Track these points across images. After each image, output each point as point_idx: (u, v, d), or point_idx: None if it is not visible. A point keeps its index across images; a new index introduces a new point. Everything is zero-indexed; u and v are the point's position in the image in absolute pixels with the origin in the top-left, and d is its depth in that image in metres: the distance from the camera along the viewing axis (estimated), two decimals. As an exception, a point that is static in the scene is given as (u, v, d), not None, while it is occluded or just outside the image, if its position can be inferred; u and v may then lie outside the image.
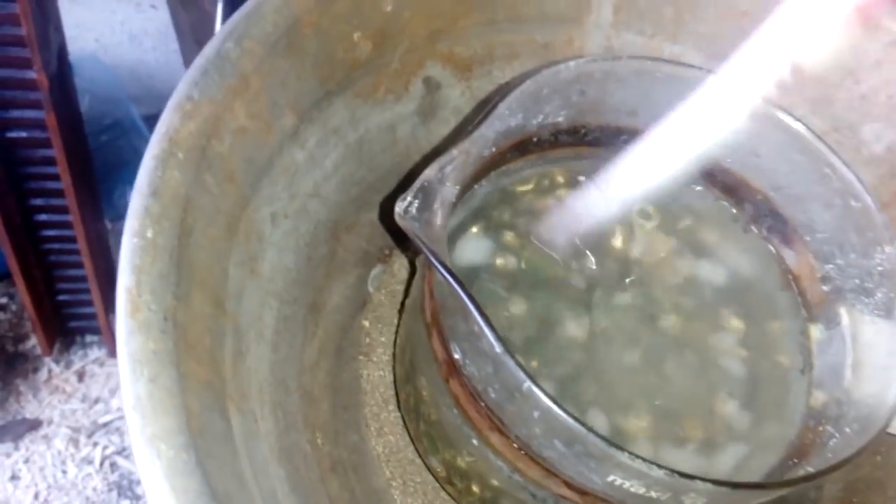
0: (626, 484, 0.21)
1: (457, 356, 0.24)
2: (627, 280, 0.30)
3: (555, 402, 0.20)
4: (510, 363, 0.21)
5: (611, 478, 0.21)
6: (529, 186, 0.31)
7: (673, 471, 0.20)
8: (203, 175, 0.22)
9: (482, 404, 0.23)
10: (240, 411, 0.23)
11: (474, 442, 0.25)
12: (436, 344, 0.25)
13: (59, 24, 0.62)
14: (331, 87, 0.28)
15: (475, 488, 0.27)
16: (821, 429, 0.27)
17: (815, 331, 0.30)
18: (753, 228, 0.32)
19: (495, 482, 0.26)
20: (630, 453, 0.20)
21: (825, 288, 0.29)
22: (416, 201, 0.23)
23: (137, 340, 0.18)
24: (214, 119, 0.22)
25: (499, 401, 0.23)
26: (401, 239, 0.34)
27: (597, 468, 0.21)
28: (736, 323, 0.30)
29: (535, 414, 0.21)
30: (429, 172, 0.23)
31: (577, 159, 0.31)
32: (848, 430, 0.25)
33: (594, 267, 0.29)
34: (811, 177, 0.29)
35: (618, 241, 0.30)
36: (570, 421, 0.20)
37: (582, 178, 0.31)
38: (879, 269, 0.27)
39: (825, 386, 0.28)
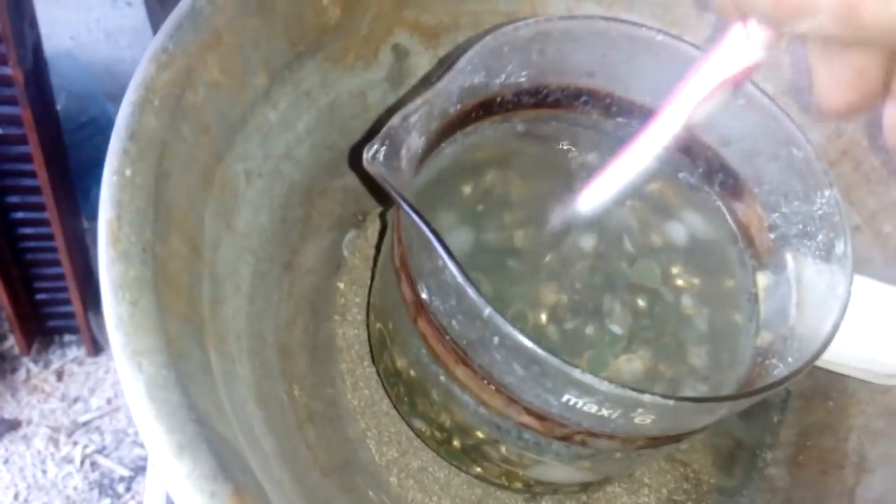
0: (580, 403, 0.23)
1: (423, 295, 0.25)
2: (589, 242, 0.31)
3: (512, 325, 0.22)
4: (471, 291, 0.22)
5: (566, 397, 0.23)
6: (494, 152, 0.33)
7: (621, 385, 0.21)
8: (178, 123, 0.23)
9: (447, 338, 0.25)
10: (217, 351, 0.24)
11: (442, 379, 0.26)
12: (404, 287, 0.26)
13: (35, 21, 0.63)
14: (301, 49, 0.29)
15: (446, 425, 0.29)
16: (767, 363, 0.28)
17: (764, 277, 0.31)
18: (706, 184, 0.33)
19: (463, 417, 0.27)
20: (581, 370, 0.21)
21: (772, 236, 0.31)
22: (384, 148, 0.24)
23: (118, 268, 0.20)
24: (188, 70, 0.24)
25: (462, 332, 0.24)
26: (375, 190, 0.35)
27: (553, 388, 0.23)
28: (692, 278, 0.32)
29: (496, 339, 0.23)
30: (394, 120, 0.25)
31: (540, 121, 0.33)
32: (790, 359, 0.27)
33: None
34: (757, 130, 0.30)
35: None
36: (526, 342, 0.21)
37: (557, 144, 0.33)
38: (819, 212, 0.29)
39: (771, 326, 0.30)
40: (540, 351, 0.21)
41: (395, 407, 0.33)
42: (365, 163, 0.24)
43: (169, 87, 0.23)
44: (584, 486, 0.31)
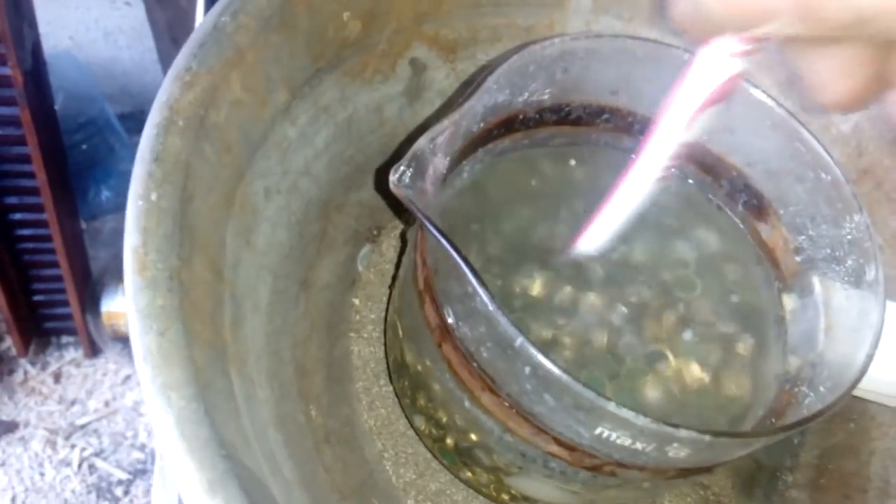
0: (613, 436, 0.22)
1: (450, 320, 0.25)
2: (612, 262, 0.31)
3: (545, 356, 0.21)
4: (503, 320, 0.22)
5: (598, 430, 0.22)
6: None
7: (656, 420, 0.21)
8: (202, 143, 0.23)
9: (474, 364, 0.24)
10: (239, 375, 0.24)
11: (466, 405, 0.26)
12: (428, 310, 0.26)
13: (34, 21, 0.62)
14: (321, 64, 0.29)
15: (467, 449, 0.28)
16: (796, 390, 0.28)
17: (790, 300, 0.31)
18: (729, 204, 0.33)
19: (487, 443, 0.27)
20: (616, 403, 0.21)
21: (798, 259, 0.31)
22: (410, 170, 0.24)
23: (146, 296, 0.19)
24: (212, 89, 0.23)
25: (491, 359, 0.24)
26: (397, 208, 0.35)
27: (585, 420, 0.22)
28: (716, 297, 0.31)
29: (527, 370, 0.22)
30: (421, 142, 0.24)
31: (562, 138, 0.33)
32: (822, 388, 0.26)
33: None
34: (783, 152, 0.30)
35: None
36: (560, 373, 0.21)
37: (573, 163, 0.32)
38: (848, 237, 0.28)
39: (799, 351, 0.29)
40: (574, 383, 0.21)
41: (409, 425, 0.32)
42: (391, 185, 0.24)
43: (193, 107, 0.22)
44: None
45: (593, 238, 0.26)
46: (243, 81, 0.25)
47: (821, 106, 0.18)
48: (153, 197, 0.20)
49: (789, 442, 0.35)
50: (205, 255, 0.23)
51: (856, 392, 0.33)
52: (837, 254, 0.29)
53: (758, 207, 0.32)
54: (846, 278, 0.28)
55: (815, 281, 0.30)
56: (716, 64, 0.20)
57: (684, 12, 0.19)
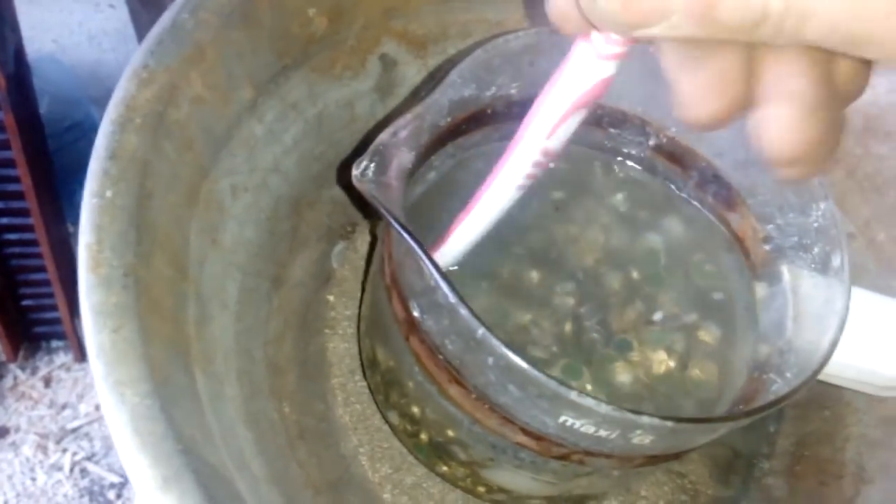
0: (577, 424, 0.22)
1: (415, 313, 0.25)
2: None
3: (506, 345, 0.21)
4: (464, 312, 0.22)
5: (562, 418, 0.22)
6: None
7: (619, 407, 0.21)
8: (161, 141, 0.23)
9: (440, 357, 0.24)
10: (204, 373, 0.24)
11: (435, 398, 0.26)
12: (395, 304, 0.26)
13: (16, 24, 0.62)
14: (287, 61, 0.29)
15: (440, 443, 0.28)
16: (765, 377, 0.28)
17: (760, 289, 0.31)
18: (699, 195, 0.33)
19: (459, 437, 0.27)
20: (578, 391, 0.21)
21: (767, 247, 0.31)
22: (372, 164, 0.24)
23: (99, 294, 0.19)
24: (171, 87, 0.23)
25: (456, 352, 0.24)
26: (362, 204, 0.35)
27: (549, 409, 0.22)
28: (687, 286, 0.31)
29: (490, 360, 0.22)
30: (384, 136, 0.24)
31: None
32: (788, 374, 0.26)
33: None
34: (752, 142, 0.30)
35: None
36: (521, 362, 0.21)
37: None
38: (815, 225, 0.28)
39: (769, 339, 0.29)
40: (535, 372, 0.21)
41: (384, 420, 0.32)
42: (354, 179, 0.24)
43: (151, 104, 0.22)
44: (580, 500, 0.31)
45: (451, 250, 0.25)
46: (204, 79, 0.25)
47: (685, 123, 0.17)
48: (108, 194, 0.20)
49: (765, 429, 0.35)
50: (166, 252, 0.22)
51: (830, 379, 0.33)
52: (805, 242, 0.29)
53: (727, 197, 0.32)
54: (813, 266, 0.28)
55: (784, 269, 0.30)
56: (589, 64, 0.19)
57: (564, 4, 0.18)
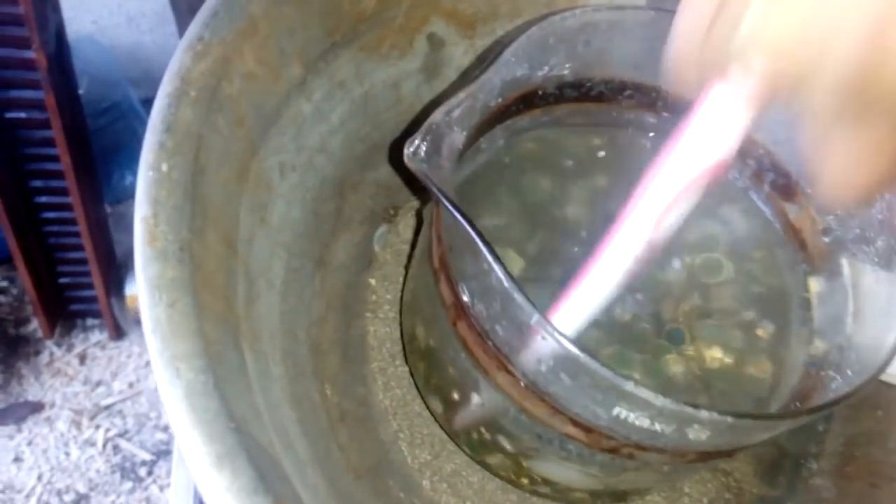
0: (631, 416, 0.22)
1: (465, 298, 0.24)
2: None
3: (561, 333, 0.21)
4: (519, 297, 0.21)
5: (616, 410, 0.22)
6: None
7: (677, 400, 0.20)
8: (214, 115, 0.22)
9: (489, 343, 0.24)
10: (252, 351, 0.23)
11: (482, 385, 0.25)
12: (443, 288, 0.25)
13: (57, 4, 0.62)
14: (336, 38, 0.28)
15: (484, 433, 0.28)
16: (823, 374, 0.27)
17: (816, 283, 0.30)
18: (755, 184, 0.32)
19: (502, 424, 0.26)
20: (636, 382, 0.20)
21: (826, 240, 0.30)
22: (425, 144, 0.23)
23: (155, 268, 0.19)
24: (224, 60, 0.23)
25: (507, 338, 0.23)
26: (412, 184, 0.34)
27: (602, 400, 0.22)
28: (739, 279, 0.30)
29: (543, 348, 0.22)
30: (437, 115, 0.24)
31: (583, 116, 0.32)
32: (849, 372, 0.25)
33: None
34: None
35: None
36: (577, 351, 0.20)
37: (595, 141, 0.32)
38: (879, 217, 0.27)
39: (826, 334, 0.29)
40: (592, 362, 0.20)
41: (425, 406, 0.32)
42: (406, 159, 0.23)
43: (205, 77, 0.22)
44: (623, 495, 0.30)
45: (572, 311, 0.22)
46: (256, 54, 0.24)
47: (828, 200, 0.16)
48: (164, 168, 0.20)
49: (814, 429, 0.34)
50: (217, 228, 0.22)
51: (886, 378, 0.32)
52: (867, 234, 0.28)
53: (785, 186, 0.31)
54: (876, 260, 0.27)
55: (844, 263, 0.29)
56: (715, 136, 0.16)
57: (688, 46, 0.15)
